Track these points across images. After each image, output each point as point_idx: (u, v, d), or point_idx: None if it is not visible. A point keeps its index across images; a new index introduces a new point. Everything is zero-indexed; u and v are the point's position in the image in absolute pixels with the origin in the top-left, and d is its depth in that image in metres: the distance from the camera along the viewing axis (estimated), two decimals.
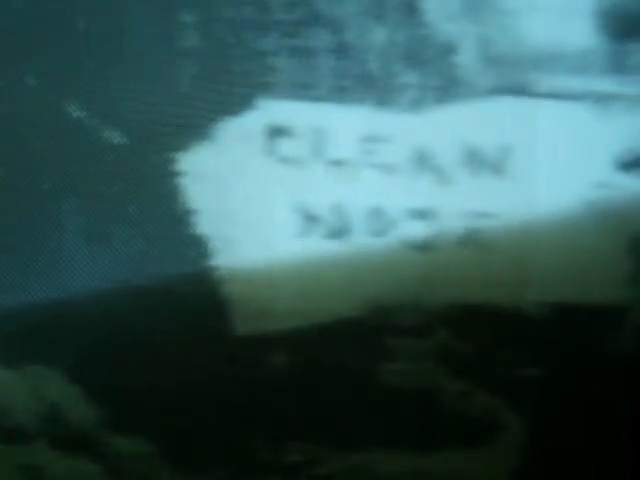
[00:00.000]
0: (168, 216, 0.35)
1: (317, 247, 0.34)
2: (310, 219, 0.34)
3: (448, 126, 0.32)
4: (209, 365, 0.36)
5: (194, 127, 0.34)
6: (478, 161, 0.33)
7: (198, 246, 0.35)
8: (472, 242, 0.33)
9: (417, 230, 0.33)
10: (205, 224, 0.34)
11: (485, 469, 0.37)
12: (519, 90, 0.32)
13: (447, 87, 0.32)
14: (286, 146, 0.33)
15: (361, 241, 0.33)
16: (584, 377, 0.35)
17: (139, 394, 0.37)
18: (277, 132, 0.33)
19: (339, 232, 0.33)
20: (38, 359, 0.37)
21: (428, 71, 0.32)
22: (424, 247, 0.33)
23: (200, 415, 0.37)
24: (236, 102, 0.33)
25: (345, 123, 0.33)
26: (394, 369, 0.35)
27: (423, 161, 0.33)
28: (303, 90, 0.32)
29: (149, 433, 0.38)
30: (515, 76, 0.32)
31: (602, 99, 0.32)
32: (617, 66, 0.31)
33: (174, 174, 0.34)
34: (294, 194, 0.33)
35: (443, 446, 0.37)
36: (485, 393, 0.35)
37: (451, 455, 0.37)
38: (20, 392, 0.38)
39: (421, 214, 0.33)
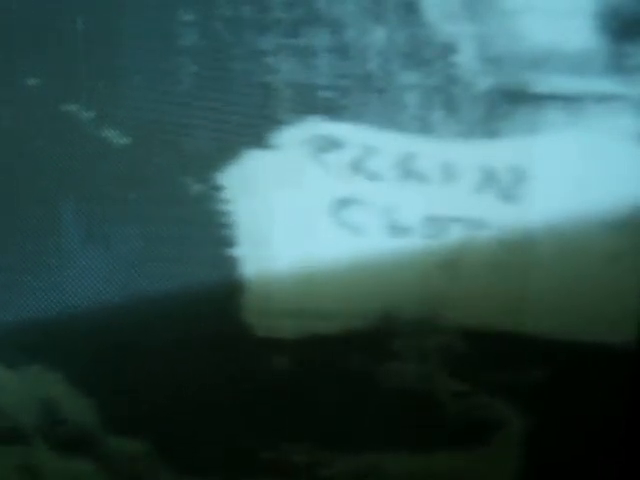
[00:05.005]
0: (171, 217, 0.35)
1: (339, 256, 0.34)
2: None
3: (470, 148, 0.33)
4: (210, 367, 0.36)
5: (195, 126, 0.34)
6: (491, 180, 0.33)
7: (203, 246, 0.35)
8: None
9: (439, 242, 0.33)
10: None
11: (485, 469, 0.37)
12: (518, 90, 0.32)
13: (446, 87, 0.32)
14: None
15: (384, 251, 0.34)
16: (584, 378, 0.35)
17: (139, 395, 0.37)
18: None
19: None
20: (38, 360, 0.37)
21: (428, 71, 0.32)
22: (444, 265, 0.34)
23: (201, 416, 0.37)
24: (236, 102, 0.33)
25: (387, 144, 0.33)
26: (396, 370, 0.35)
27: (447, 176, 0.33)
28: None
29: (148, 434, 0.38)
30: (514, 76, 0.32)
31: (601, 99, 0.32)
32: (616, 67, 0.31)
33: (175, 173, 0.34)
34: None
35: (444, 447, 0.37)
36: (485, 394, 0.35)
37: (452, 455, 0.37)
38: (20, 393, 0.38)
39: (439, 221, 0.33)
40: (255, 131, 0.33)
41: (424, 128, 0.33)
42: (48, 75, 0.34)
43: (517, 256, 0.33)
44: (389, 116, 0.33)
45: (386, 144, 0.33)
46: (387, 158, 0.33)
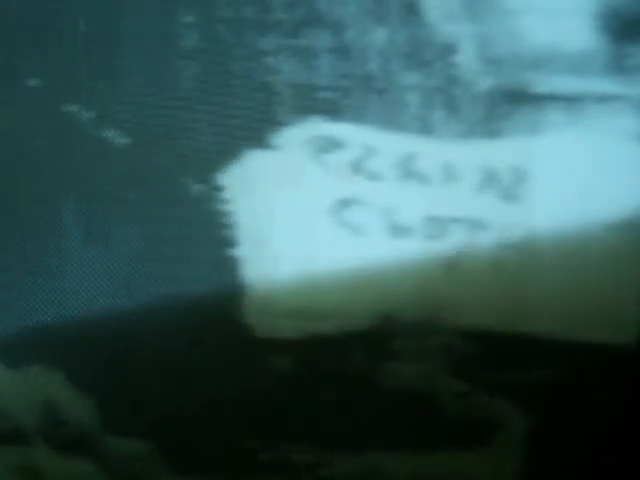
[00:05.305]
0: (171, 217, 0.35)
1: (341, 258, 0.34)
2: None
3: (470, 149, 0.33)
4: (211, 367, 0.36)
5: (195, 127, 0.34)
6: (492, 180, 0.33)
7: (203, 246, 0.35)
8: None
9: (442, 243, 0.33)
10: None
11: (486, 469, 0.37)
12: (519, 90, 0.32)
13: (447, 87, 0.32)
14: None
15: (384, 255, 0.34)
16: (585, 378, 0.35)
17: (140, 396, 0.37)
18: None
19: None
20: (38, 361, 0.37)
21: (428, 71, 0.32)
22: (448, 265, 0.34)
23: (201, 416, 0.37)
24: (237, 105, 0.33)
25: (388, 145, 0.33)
26: (396, 370, 0.35)
27: (448, 176, 0.33)
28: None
29: (149, 435, 0.38)
30: (514, 76, 0.32)
31: (601, 100, 0.32)
32: (616, 67, 0.31)
33: (176, 174, 0.34)
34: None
35: (445, 447, 0.37)
36: (486, 394, 0.35)
37: (453, 456, 0.37)
38: (20, 394, 0.38)
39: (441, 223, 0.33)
40: (256, 131, 0.33)
41: (425, 128, 0.33)
42: (48, 75, 0.34)
43: (518, 256, 0.33)
44: (390, 116, 0.33)
45: (387, 144, 0.33)
46: (388, 158, 0.33)
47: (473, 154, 0.33)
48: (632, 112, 0.31)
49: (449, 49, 0.32)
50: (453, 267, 0.34)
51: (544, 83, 0.32)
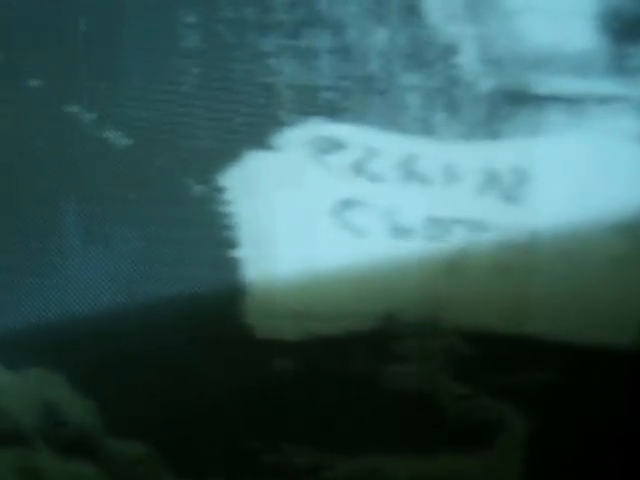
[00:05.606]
0: (172, 218, 0.35)
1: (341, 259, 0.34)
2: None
3: (471, 150, 0.33)
4: (212, 369, 0.36)
5: (196, 127, 0.34)
6: (493, 181, 0.33)
7: (204, 247, 0.35)
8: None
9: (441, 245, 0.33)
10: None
11: (487, 472, 0.37)
12: (520, 91, 0.32)
13: (448, 88, 0.32)
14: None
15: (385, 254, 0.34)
16: (586, 380, 0.35)
17: (140, 397, 0.37)
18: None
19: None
20: (39, 362, 0.37)
21: (429, 72, 0.32)
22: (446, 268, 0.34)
23: (202, 418, 0.37)
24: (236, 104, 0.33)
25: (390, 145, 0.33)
26: (398, 372, 0.35)
27: (449, 177, 0.33)
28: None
29: (150, 436, 0.37)
30: (516, 77, 0.32)
31: (603, 101, 0.32)
32: (618, 68, 0.31)
33: (177, 174, 0.34)
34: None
35: (446, 449, 0.37)
36: (487, 396, 0.35)
37: (454, 458, 0.37)
38: (21, 395, 0.37)
39: (444, 224, 0.33)
40: (257, 132, 0.33)
41: (426, 129, 0.33)
42: (49, 76, 0.34)
43: (519, 257, 0.33)
44: (391, 117, 0.33)
45: (388, 145, 0.33)
46: (389, 159, 0.33)
47: (474, 155, 0.33)
48: (633, 113, 0.31)
49: (450, 50, 0.32)
50: (454, 268, 0.34)
51: (545, 84, 0.32)
